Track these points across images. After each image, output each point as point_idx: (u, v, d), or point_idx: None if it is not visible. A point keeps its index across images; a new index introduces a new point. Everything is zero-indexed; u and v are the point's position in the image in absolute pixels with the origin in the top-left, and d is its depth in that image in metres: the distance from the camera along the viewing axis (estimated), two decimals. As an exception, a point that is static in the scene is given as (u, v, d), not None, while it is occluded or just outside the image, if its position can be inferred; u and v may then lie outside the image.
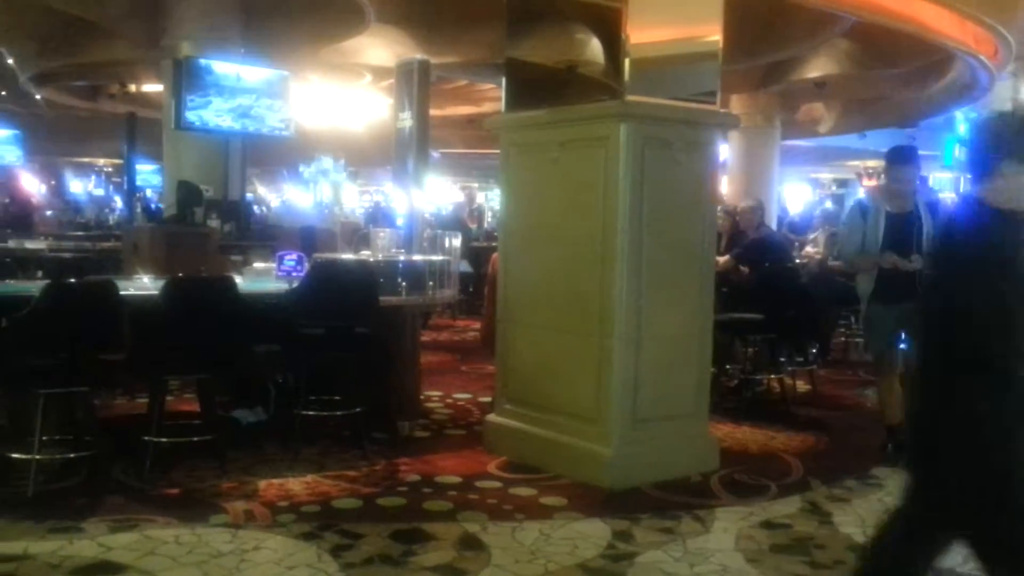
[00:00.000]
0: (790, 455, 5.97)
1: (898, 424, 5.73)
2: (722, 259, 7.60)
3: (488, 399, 6.66)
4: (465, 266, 10.71)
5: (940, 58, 13.66)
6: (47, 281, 5.24)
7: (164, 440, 5.28)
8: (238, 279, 5.94)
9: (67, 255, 10.16)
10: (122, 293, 5.16)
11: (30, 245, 10.63)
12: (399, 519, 4.59)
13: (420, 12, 12.93)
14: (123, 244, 10.19)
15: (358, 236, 9.57)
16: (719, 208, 7.41)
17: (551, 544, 4.31)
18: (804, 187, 33.78)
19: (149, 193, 22.94)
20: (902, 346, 5.76)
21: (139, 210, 15.87)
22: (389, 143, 9.75)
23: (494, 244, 7.70)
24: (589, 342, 5.27)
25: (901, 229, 5.67)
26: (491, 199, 25.58)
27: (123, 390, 6.78)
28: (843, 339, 9.56)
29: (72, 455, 5.13)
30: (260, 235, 11.34)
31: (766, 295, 7.35)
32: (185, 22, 11.18)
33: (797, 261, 9.31)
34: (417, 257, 6.80)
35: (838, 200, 29.39)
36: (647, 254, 5.19)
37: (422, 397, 6.99)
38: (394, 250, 7.02)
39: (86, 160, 33.95)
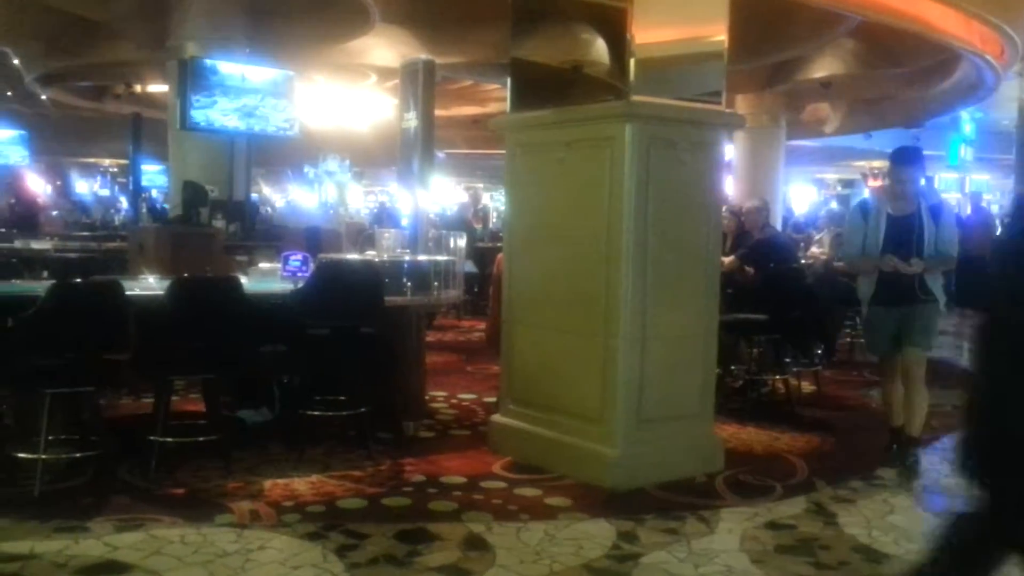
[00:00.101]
0: (795, 456, 5.96)
1: (900, 426, 5.76)
2: (727, 259, 7.60)
3: (493, 399, 6.66)
4: (470, 266, 10.71)
5: (946, 58, 13.65)
6: (53, 281, 5.24)
7: (170, 440, 5.29)
8: (243, 279, 5.95)
9: (73, 255, 10.17)
10: (128, 293, 5.17)
11: (36, 245, 10.64)
12: (404, 519, 4.60)
13: (425, 12, 12.95)
14: (128, 244, 10.21)
15: (363, 236, 9.58)
16: (724, 208, 7.40)
17: (556, 544, 4.31)
18: (809, 187, 33.76)
19: (154, 193, 23.00)
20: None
21: (144, 210, 15.92)
22: (394, 143, 9.77)
23: (499, 244, 7.72)
24: (594, 342, 5.27)
25: (902, 231, 5.57)
26: (496, 199, 25.57)
27: (128, 390, 6.79)
28: (848, 340, 9.54)
29: (78, 455, 5.14)
30: (265, 235, 11.35)
31: (771, 296, 7.34)
32: (190, 22, 11.21)
33: (802, 261, 9.29)
34: (422, 257, 6.81)
35: (843, 200, 29.36)
36: (652, 254, 5.19)
37: (427, 397, 6.99)
38: (399, 250, 7.03)
39: (92, 160, 34.04)
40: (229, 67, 10.79)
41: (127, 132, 17.73)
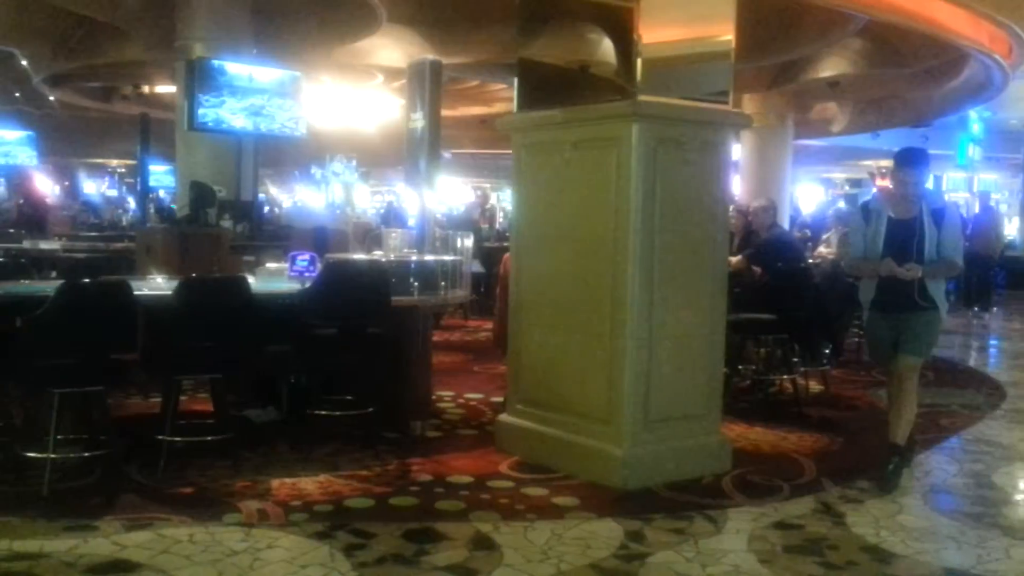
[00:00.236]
0: (803, 456, 5.96)
1: (897, 442, 5.40)
2: (734, 259, 7.58)
3: (500, 399, 6.67)
4: (477, 266, 10.72)
5: (954, 57, 13.61)
6: (62, 281, 5.26)
7: (178, 439, 5.31)
8: (251, 279, 5.95)
9: (81, 255, 10.21)
10: (136, 293, 5.19)
11: (44, 246, 10.69)
12: (411, 519, 4.60)
13: (432, 12, 12.95)
14: (136, 244, 10.23)
15: (370, 236, 9.60)
16: (732, 207, 7.39)
17: (563, 544, 4.32)
18: (817, 187, 33.69)
19: (162, 194, 23.05)
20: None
21: (152, 211, 15.96)
22: (401, 143, 9.81)
23: (506, 244, 7.71)
24: (601, 342, 5.27)
25: (903, 235, 5.31)
26: (503, 199, 25.60)
27: (137, 390, 6.81)
28: (856, 339, 9.52)
29: (87, 454, 5.16)
30: (272, 235, 11.37)
31: (778, 295, 7.33)
32: (197, 23, 11.22)
33: (810, 261, 9.27)
34: (429, 257, 6.81)
35: (851, 200, 29.28)
36: (659, 254, 5.19)
37: (434, 397, 6.99)
38: (406, 250, 7.03)
39: (99, 161, 34.11)
40: (236, 67, 10.81)
41: (135, 133, 17.79)
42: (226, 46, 11.06)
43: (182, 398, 5.76)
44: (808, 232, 13.37)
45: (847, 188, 34.87)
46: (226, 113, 10.65)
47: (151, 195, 18.70)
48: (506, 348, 6.11)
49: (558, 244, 5.59)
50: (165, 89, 17.46)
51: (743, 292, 7.38)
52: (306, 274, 6.11)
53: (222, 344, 5.27)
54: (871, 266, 5.42)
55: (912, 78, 15.36)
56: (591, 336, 5.34)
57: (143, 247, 9.55)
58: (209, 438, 5.45)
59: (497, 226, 18.21)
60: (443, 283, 6.41)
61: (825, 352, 8.10)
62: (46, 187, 24.80)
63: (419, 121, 8.75)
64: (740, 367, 7.67)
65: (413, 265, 6.40)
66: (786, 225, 13.90)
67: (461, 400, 7.36)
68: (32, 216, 15.56)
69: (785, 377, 7.65)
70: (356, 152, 23.75)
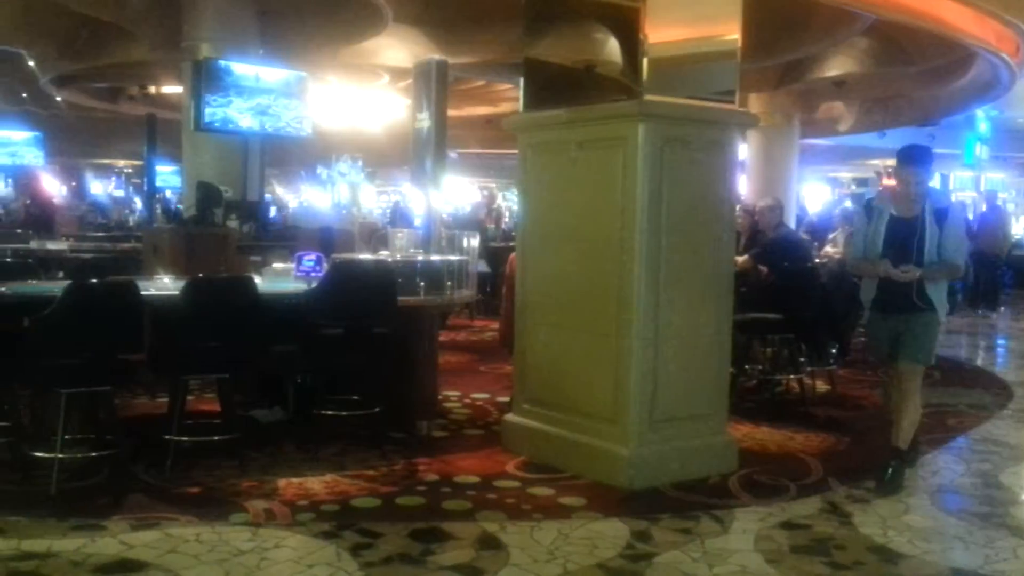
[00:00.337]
0: (809, 455, 5.95)
1: (899, 446, 5.33)
2: (741, 259, 7.58)
3: (506, 399, 6.67)
4: (483, 266, 10.72)
5: (961, 56, 13.58)
6: (69, 281, 5.27)
7: (185, 439, 5.32)
8: (257, 279, 5.97)
9: (88, 256, 10.22)
10: (143, 293, 5.20)
11: (52, 246, 10.69)
12: (418, 518, 4.60)
13: (438, 12, 12.96)
14: (143, 245, 10.24)
15: (376, 236, 9.61)
16: (738, 207, 7.38)
17: (570, 544, 4.32)
18: (823, 186, 33.63)
19: (168, 194, 23.11)
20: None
21: (159, 211, 16.00)
22: (407, 143, 9.79)
23: (512, 244, 7.72)
24: (607, 342, 5.27)
25: (904, 235, 5.21)
26: (509, 199, 25.59)
27: (144, 390, 6.83)
28: (863, 339, 9.50)
29: (94, 454, 5.18)
30: (279, 236, 11.38)
31: (785, 295, 7.33)
32: (204, 23, 11.24)
33: (816, 260, 9.26)
34: (435, 257, 6.82)
35: (857, 200, 29.24)
36: (665, 254, 5.18)
37: (440, 397, 6.99)
38: (412, 250, 7.04)
39: (106, 162, 34.20)
40: (243, 68, 10.82)
41: (141, 133, 17.84)
42: (232, 46, 11.08)
43: (189, 398, 5.77)
44: (809, 236, 13.34)
45: (854, 187, 34.80)
46: (233, 113, 10.66)
47: (158, 195, 18.74)
48: (512, 348, 6.12)
49: (564, 244, 5.59)
50: (171, 90, 17.49)
51: (749, 292, 7.37)
52: (312, 274, 6.12)
53: (229, 344, 5.28)
54: (868, 266, 5.36)
55: (919, 77, 15.33)
56: (597, 336, 5.34)
57: (150, 247, 9.56)
58: (216, 438, 5.46)
59: (503, 226, 18.20)
60: (449, 283, 6.41)
61: (831, 352, 8.09)
62: (53, 188, 24.84)
63: (425, 121, 8.73)
64: (746, 367, 7.67)
65: (419, 265, 6.40)
66: (792, 225, 13.87)
67: (467, 400, 7.36)
68: (39, 216, 15.57)
69: (791, 377, 7.64)
70: (362, 152, 23.85)
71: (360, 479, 5.21)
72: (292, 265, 6.46)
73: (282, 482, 5.09)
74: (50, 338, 4.81)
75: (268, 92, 11.01)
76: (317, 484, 5.09)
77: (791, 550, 4.34)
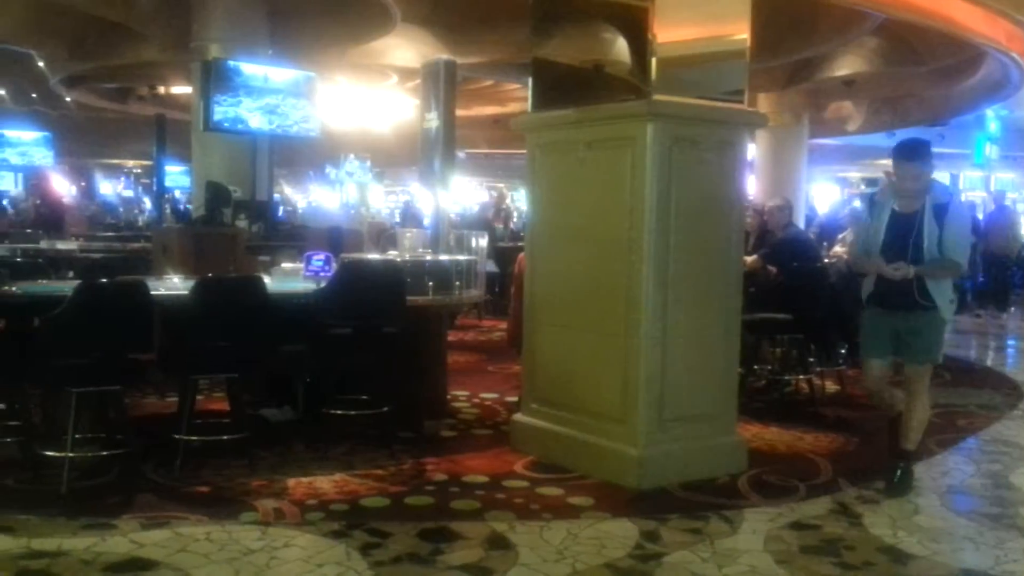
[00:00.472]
0: (819, 456, 5.93)
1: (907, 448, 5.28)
2: (749, 259, 7.56)
3: (515, 399, 6.67)
4: (491, 266, 10.72)
5: (971, 55, 13.54)
6: (79, 281, 5.29)
7: (194, 439, 5.33)
8: (266, 279, 5.98)
9: (97, 256, 10.25)
10: (153, 293, 5.22)
11: (61, 246, 10.74)
12: (427, 518, 4.61)
13: (446, 13, 12.97)
14: (152, 245, 10.28)
15: (385, 236, 9.61)
16: (747, 206, 7.37)
17: (579, 544, 4.31)
18: (832, 186, 33.55)
19: (178, 194, 23.16)
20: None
21: (168, 211, 16.03)
22: (415, 143, 9.80)
23: (520, 244, 7.71)
24: (616, 342, 5.26)
25: (903, 231, 5.08)
26: (517, 199, 25.60)
27: (154, 389, 6.85)
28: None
29: (104, 453, 5.19)
30: (288, 236, 11.40)
31: (794, 295, 7.31)
32: (213, 24, 11.27)
33: (825, 260, 9.25)
34: (444, 257, 6.82)
35: (866, 199, 29.18)
36: (674, 254, 5.18)
37: (449, 397, 7.00)
38: (421, 250, 7.04)
39: (116, 162, 34.29)
40: (252, 68, 10.84)
41: (151, 133, 17.87)
42: (241, 47, 11.10)
43: (198, 397, 5.79)
44: (817, 235, 13.30)
45: (863, 187, 34.69)
46: (242, 113, 10.69)
47: (167, 195, 18.78)
48: (521, 348, 6.12)
49: (572, 244, 5.59)
50: (181, 90, 17.54)
51: (758, 292, 7.37)
52: (321, 274, 6.13)
53: (238, 344, 5.29)
54: (864, 263, 5.29)
55: (928, 76, 15.28)
56: (606, 336, 5.34)
57: (159, 247, 9.59)
58: (225, 437, 5.47)
59: (512, 226, 18.20)
60: (458, 283, 6.41)
61: (841, 352, 8.07)
62: (63, 188, 24.94)
63: (433, 121, 8.74)
64: (755, 367, 7.66)
65: (428, 265, 6.41)
66: (802, 225, 13.84)
67: (476, 400, 7.37)
68: (49, 216, 15.64)
69: (801, 377, 7.63)
70: (370, 152, 23.87)
71: (369, 478, 5.21)
72: (301, 265, 6.47)
73: (291, 481, 5.10)
74: (60, 338, 4.83)
75: (277, 92, 11.03)
76: (326, 483, 5.10)
77: (801, 550, 4.33)
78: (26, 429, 5.33)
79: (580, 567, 4.05)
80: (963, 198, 26.40)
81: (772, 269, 7.85)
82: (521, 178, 15.14)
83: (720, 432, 5.53)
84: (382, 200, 29.84)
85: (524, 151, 6.02)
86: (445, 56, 10.11)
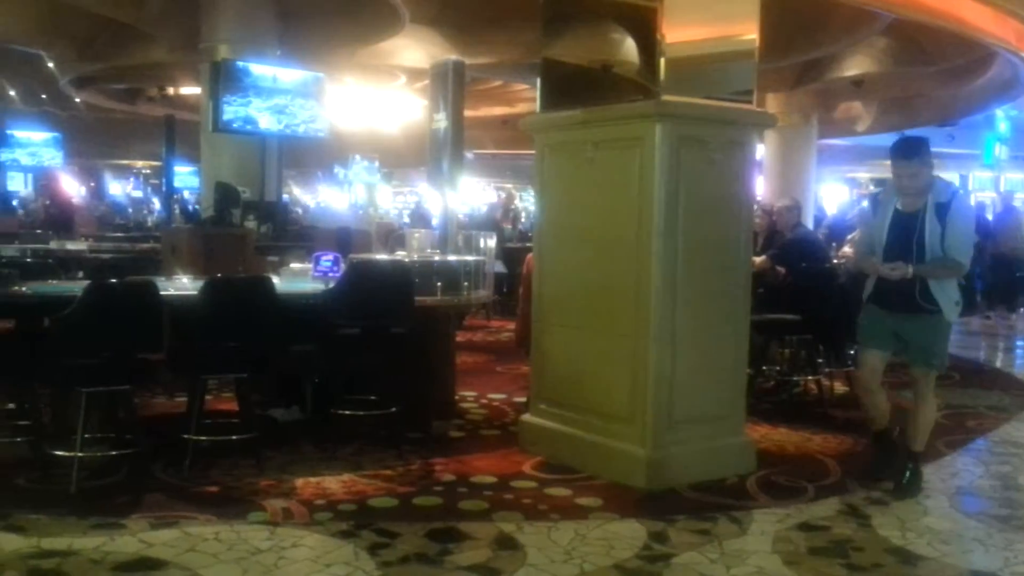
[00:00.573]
0: (827, 457, 5.92)
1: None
2: (758, 259, 7.55)
3: (523, 399, 6.67)
4: (500, 267, 10.73)
5: (980, 55, 13.50)
6: (89, 281, 5.31)
7: (203, 439, 5.34)
8: (275, 279, 5.99)
9: (107, 256, 10.29)
10: (162, 293, 5.23)
11: (71, 246, 10.78)
12: (435, 518, 4.61)
13: (455, 13, 12.98)
14: (162, 245, 10.32)
15: (393, 237, 9.63)
16: (757, 207, 7.36)
17: (587, 544, 4.31)
18: (841, 187, 33.48)
19: (187, 195, 23.23)
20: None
21: (177, 211, 16.08)
22: (423, 144, 9.80)
23: (528, 245, 7.72)
24: (624, 343, 5.26)
25: (905, 230, 5.00)
26: (525, 199, 25.62)
27: (163, 389, 6.87)
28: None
29: (113, 453, 5.21)
30: (296, 236, 11.43)
31: (803, 296, 7.30)
32: (222, 25, 11.31)
33: (834, 261, 9.23)
34: (452, 258, 6.82)
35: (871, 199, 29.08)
36: (682, 254, 5.17)
37: (457, 397, 7.01)
38: (429, 250, 7.05)
39: (125, 162, 34.40)
40: (261, 69, 10.87)
41: (160, 134, 17.92)
42: (250, 48, 11.14)
43: (207, 397, 5.80)
44: (827, 235, 13.28)
45: (872, 188, 34.62)
46: (251, 114, 10.72)
47: (176, 196, 18.84)
48: (529, 348, 6.12)
49: (581, 244, 5.59)
50: (190, 91, 17.60)
51: (767, 292, 7.36)
52: (330, 274, 6.14)
53: (247, 344, 5.31)
54: (863, 262, 5.23)
55: (938, 76, 15.25)
56: (614, 336, 5.33)
57: (168, 247, 9.62)
58: (234, 437, 5.48)
59: (520, 226, 18.21)
60: (466, 283, 6.42)
61: (850, 353, 8.04)
62: (72, 188, 25.02)
63: (442, 121, 8.75)
64: (764, 368, 7.65)
65: (436, 265, 6.41)
66: (811, 225, 13.81)
67: (484, 400, 7.37)
68: (59, 217, 15.71)
69: (809, 378, 7.61)
70: (379, 153, 23.90)
71: (377, 479, 5.22)
72: (310, 265, 6.48)
73: (300, 481, 5.11)
74: (70, 338, 4.84)
75: (285, 93, 11.07)
76: (334, 483, 5.10)
77: (809, 552, 4.32)
78: (36, 429, 5.35)
79: (588, 568, 4.05)
80: (972, 197, 26.33)
81: (781, 270, 7.84)
82: (529, 179, 15.14)
83: (729, 433, 5.52)
84: (390, 201, 29.89)
85: (532, 152, 6.02)
86: (454, 57, 10.12)
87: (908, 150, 5.06)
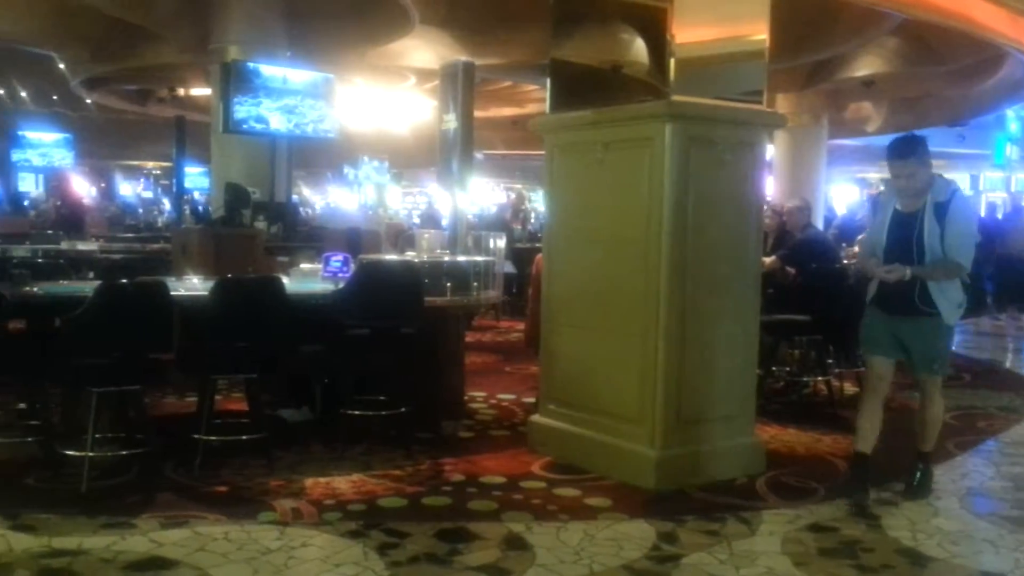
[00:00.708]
0: (837, 458, 5.91)
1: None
2: (768, 260, 7.54)
3: (532, 400, 6.67)
4: (509, 267, 10.73)
5: (991, 55, 13.46)
6: (100, 282, 5.33)
7: (213, 438, 5.36)
8: (285, 280, 6.00)
9: (118, 256, 10.32)
10: (172, 294, 5.25)
11: (82, 247, 10.82)
12: (444, 518, 4.61)
13: (464, 14, 12.99)
14: (172, 245, 10.34)
15: (403, 237, 9.64)
16: (767, 207, 7.34)
17: (596, 545, 4.31)
18: (851, 187, 33.40)
19: (197, 195, 23.31)
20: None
21: (187, 212, 16.13)
22: (433, 145, 9.84)
23: (537, 245, 7.72)
24: (633, 343, 5.26)
25: (905, 231, 4.90)
26: (534, 200, 25.63)
27: (173, 389, 6.88)
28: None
29: (124, 452, 5.22)
30: (306, 236, 11.45)
31: (813, 296, 7.28)
32: (232, 26, 11.34)
33: (844, 262, 9.21)
34: (461, 258, 6.83)
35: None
36: (692, 255, 5.16)
37: (466, 398, 7.01)
38: (439, 251, 7.06)
39: (135, 163, 34.53)
40: (271, 70, 10.90)
41: (170, 135, 18.02)
42: (260, 49, 11.17)
43: (217, 397, 5.82)
44: (837, 235, 13.23)
45: (882, 188, 34.52)
46: (262, 114, 10.75)
47: (186, 196, 18.90)
48: (538, 349, 6.12)
49: (590, 245, 5.59)
50: (200, 92, 17.65)
51: (777, 293, 7.34)
52: (340, 275, 6.16)
53: (257, 344, 5.32)
54: (863, 264, 5.17)
55: (948, 76, 15.20)
56: (623, 336, 5.33)
57: (179, 248, 9.65)
58: (244, 437, 5.50)
59: (529, 227, 18.22)
60: (475, 284, 6.42)
61: (859, 354, 8.01)
62: (83, 189, 25.13)
63: (451, 122, 8.77)
64: (774, 368, 7.63)
65: (446, 266, 6.42)
66: (821, 226, 13.78)
67: (493, 400, 7.37)
68: (69, 217, 15.76)
69: (819, 379, 7.59)
70: (389, 153, 23.94)
71: (386, 479, 5.22)
72: (319, 266, 6.50)
73: (309, 481, 5.12)
74: (81, 338, 4.86)
75: (295, 94, 11.09)
76: (344, 484, 5.11)
77: (819, 553, 4.31)
78: (46, 428, 5.38)
79: (597, 568, 4.05)
80: (983, 198, 26.21)
81: (791, 270, 7.82)
82: (539, 179, 15.13)
83: (738, 433, 5.51)
84: (400, 201, 29.93)
85: (542, 152, 6.02)
86: (463, 57, 10.14)
87: (904, 149, 4.93)
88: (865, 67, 14.93)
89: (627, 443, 5.27)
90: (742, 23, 5.46)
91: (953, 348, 5.51)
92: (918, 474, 5.17)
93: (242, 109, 10.58)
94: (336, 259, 6.29)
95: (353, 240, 9.52)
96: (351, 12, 12.10)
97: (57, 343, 4.99)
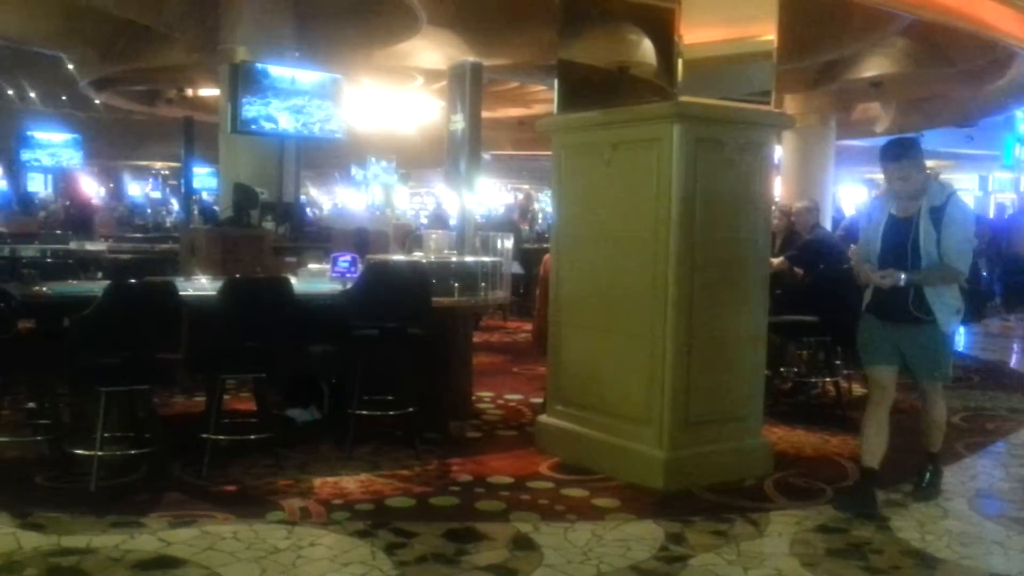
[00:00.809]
0: (845, 459, 5.89)
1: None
2: (776, 260, 7.53)
3: (540, 400, 6.67)
4: (517, 267, 10.74)
5: (1000, 56, 13.43)
6: (108, 282, 5.35)
7: (222, 438, 5.36)
8: (293, 280, 6.01)
9: (126, 256, 10.36)
10: (181, 294, 5.27)
11: (91, 247, 10.85)
12: (452, 518, 4.62)
13: (472, 15, 13.01)
14: (180, 246, 10.37)
15: (411, 237, 9.65)
16: (775, 208, 7.32)
17: (603, 545, 4.31)
18: (860, 188, 33.33)
19: (205, 196, 23.37)
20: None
21: (196, 212, 16.16)
22: (441, 145, 9.85)
23: (545, 246, 7.72)
24: (641, 344, 5.26)
25: (900, 235, 4.82)
26: (542, 200, 25.64)
27: (181, 389, 6.90)
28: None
29: (133, 452, 5.23)
30: (314, 237, 11.47)
31: (821, 297, 7.26)
32: (240, 27, 11.37)
33: (852, 262, 9.19)
34: (469, 259, 6.83)
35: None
36: (700, 255, 5.16)
37: (474, 398, 7.01)
38: (446, 251, 7.07)
39: (144, 163, 34.63)
40: (279, 70, 10.93)
41: (178, 135, 18.04)
42: (269, 49, 11.19)
43: (225, 397, 5.83)
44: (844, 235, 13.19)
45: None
46: (270, 113, 10.77)
47: (194, 197, 18.95)
48: (546, 349, 6.12)
49: (598, 245, 5.59)
50: (208, 92, 17.69)
51: (785, 294, 7.33)
52: (347, 275, 6.17)
53: (265, 344, 5.33)
54: (858, 269, 5.10)
55: (957, 77, 15.16)
56: (631, 337, 5.33)
57: (187, 248, 9.68)
58: (252, 437, 5.51)
59: (537, 227, 18.22)
60: (483, 284, 6.43)
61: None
62: (91, 189, 25.22)
63: (459, 123, 8.79)
64: (782, 369, 7.62)
65: (453, 266, 6.42)
66: (829, 227, 13.75)
67: (501, 401, 7.38)
68: (78, 217, 15.81)
69: (827, 379, 7.58)
70: (396, 154, 23.96)
71: (394, 479, 5.23)
72: (327, 266, 6.51)
73: (317, 481, 5.13)
74: (90, 337, 4.88)
75: (303, 94, 11.13)
76: (352, 483, 5.12)
77: (827, 554, 4.30)
78: (56, 428, 5.40)
79: (605, 569, 4.05)
80: (992, 199, 26.12)
81: (799, 271, 7.81)
82: (546, 180, 15.13)
83: (746, 434, 5.51)
84: (407, 202, 29.96)
85: (549, 153, 6.03)
86: (471, 58, 10.16)
87: (897, 151, 4.86)
88: (873, 68, 14.91)
89: (635, 444, 5.27)
90: (750, 24, 5.46)
91: (962, 349, 5.49)
92: (927, 475, 5.16)
93: (250, 109, 10.61)
94: (344, 259, 6.30)
95: (361, 240, 9.54)
96: (359, 13, 12.12)
97: (66, 343, 5.00)
